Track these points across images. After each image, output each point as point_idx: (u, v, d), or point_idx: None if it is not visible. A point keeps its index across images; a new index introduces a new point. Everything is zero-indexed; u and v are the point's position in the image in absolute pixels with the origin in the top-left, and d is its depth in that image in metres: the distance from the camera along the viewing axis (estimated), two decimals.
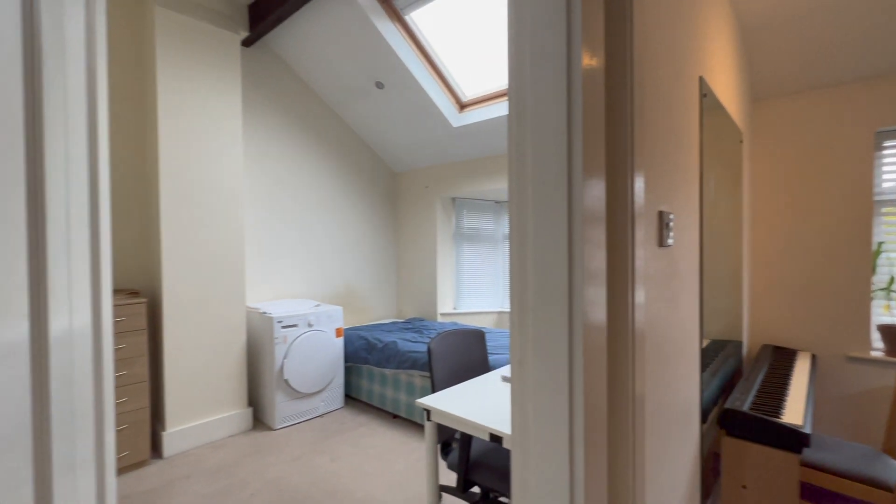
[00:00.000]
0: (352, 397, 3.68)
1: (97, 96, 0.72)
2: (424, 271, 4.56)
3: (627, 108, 0.94)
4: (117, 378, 2.45)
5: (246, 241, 3.43)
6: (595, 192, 0.82)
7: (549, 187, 0.79)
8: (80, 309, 0.54)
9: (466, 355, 2.10)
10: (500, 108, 3.47)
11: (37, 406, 0.47)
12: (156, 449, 2.78)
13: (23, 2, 0.47)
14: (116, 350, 2.45)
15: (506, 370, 2.02)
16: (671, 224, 1.24)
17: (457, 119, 3.71)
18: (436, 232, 4.45)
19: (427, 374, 3.03)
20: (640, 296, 0.98)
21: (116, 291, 2.69)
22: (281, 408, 3.11)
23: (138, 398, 2.55)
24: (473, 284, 4.67)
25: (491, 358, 2.78)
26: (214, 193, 2.94)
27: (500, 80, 3.48)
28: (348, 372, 3.65)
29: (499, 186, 3.99)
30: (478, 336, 2.20)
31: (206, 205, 2.90)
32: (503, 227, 4.70)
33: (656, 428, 1.17)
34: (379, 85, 3.57)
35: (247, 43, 3.36)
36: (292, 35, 3.42)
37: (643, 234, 1.03)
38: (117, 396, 2.46)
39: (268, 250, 3.66)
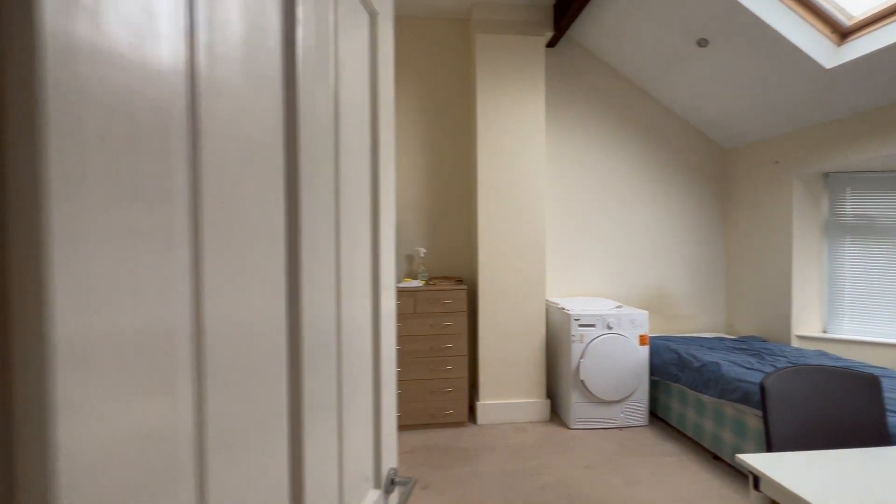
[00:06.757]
0: (658, 417, 3.17)
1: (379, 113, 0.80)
2: (771, 276, 3.41)
3: None
4: (445, 349, 3.00)
5: (548, 235, 3.50)
6: None
7: None
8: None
9: (838, 408, 1.35)
10: None
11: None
12: (472, 414, 3.25)
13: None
14: (445, 326, 3.00)
15: None
16: None
17: (833, 56, 2.53)
18: (791, 223, 3.23)
19: None
20: None
21: (445, 278, 3.30)
22: (577, 408, 3.02)
23: (460, 368, 3.03)
24: (862, 298, 3.12)
25: (892, 419, 1.72)
26: (520, 188, 3.16)
27: None
28: (654, 387, 3.16)
29: None
30: (865, 383, 1.38)
31: (513, 200, 3.15)
32: None
33: None
34: (702, 42, 2.88)
35: (551, 43, 3.41)
36: (595, 18, 3.22)
37: None
38: (445, 365, 3.01)
39: (570, 245, 3.64)
